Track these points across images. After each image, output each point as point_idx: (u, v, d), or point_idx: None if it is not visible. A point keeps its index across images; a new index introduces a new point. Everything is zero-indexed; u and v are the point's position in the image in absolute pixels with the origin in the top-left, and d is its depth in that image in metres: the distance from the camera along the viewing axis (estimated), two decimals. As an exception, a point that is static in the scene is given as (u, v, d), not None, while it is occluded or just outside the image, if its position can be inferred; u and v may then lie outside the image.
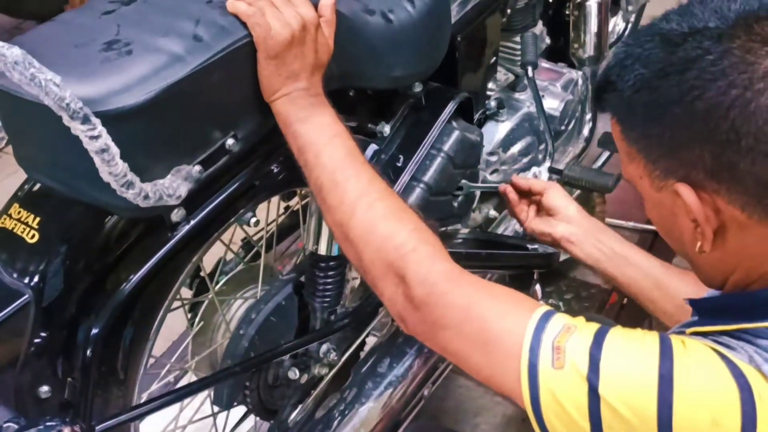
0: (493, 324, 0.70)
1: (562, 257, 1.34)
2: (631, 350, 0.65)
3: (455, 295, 0.73)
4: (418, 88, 1.12)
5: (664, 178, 0.68)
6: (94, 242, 0.84)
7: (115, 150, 0.69)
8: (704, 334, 0.67)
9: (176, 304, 1.09)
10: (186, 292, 1.21)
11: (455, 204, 1.21)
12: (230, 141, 0.84)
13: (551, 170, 1.52)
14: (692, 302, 0.76)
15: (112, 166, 0.69)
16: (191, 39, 0.77)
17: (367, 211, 0.79)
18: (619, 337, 0.66)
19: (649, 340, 0.65)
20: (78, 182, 0.76)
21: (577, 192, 1.70)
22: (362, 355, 1.29)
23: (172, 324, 1.15)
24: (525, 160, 1.50)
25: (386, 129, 1.11)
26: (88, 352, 0.82)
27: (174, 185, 0.77)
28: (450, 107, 1.14)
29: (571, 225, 1.13)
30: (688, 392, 0.61)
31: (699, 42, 0.64)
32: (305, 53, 0.82)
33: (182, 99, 0.75)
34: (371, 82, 1.04)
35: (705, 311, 0.75)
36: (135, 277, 0.84)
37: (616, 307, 1.83)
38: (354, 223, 0.80)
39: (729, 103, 0.62)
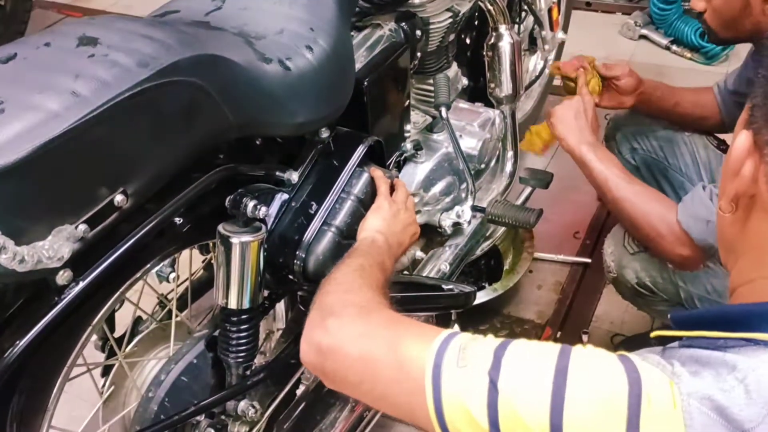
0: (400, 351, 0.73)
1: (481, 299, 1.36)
2: (532, 350, 0.67)
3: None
4: (325, 133, 1.12)
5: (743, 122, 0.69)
6: (-24, 310, 0.80)
7: (-18, 213, 0.65)
8: (663, 340, 0.70)
9: (82, 369, 1.04)
10: (99, 356, 1.16)
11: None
12: (119, 197, 0.81)
13: (474, 208, 1.53)
14: (672, 317, 0.77)
15: (-21, 231, 0.65)
16: (69, 95, 0.74)
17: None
18: (524, 341, 0.68)
19: (553, 345, 0.67)
20: (-52, 248, 0.72)
21: (503, 228, 1.71)
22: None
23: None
24: (447, 199, 1.51)
25: (294, 176, 1.09)
26: (-30, 427, 0.77)
27: (55, 246, 0.74)
28: (359, 151, 1.14)
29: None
30: (580, 386, 0.63)
31: None
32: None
33: (59, 157, 0.72)
34: (275, 129, 1.03)
35: (678, 321, 0.75)
36: (20, 344, 0.79)
37: (550, 340, 1.83)
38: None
39: None
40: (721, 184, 0.72)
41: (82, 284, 0.82)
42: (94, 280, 0.83)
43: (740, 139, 0.66)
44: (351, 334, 0.79)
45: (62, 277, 0.79)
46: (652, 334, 0.77)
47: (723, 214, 0.70)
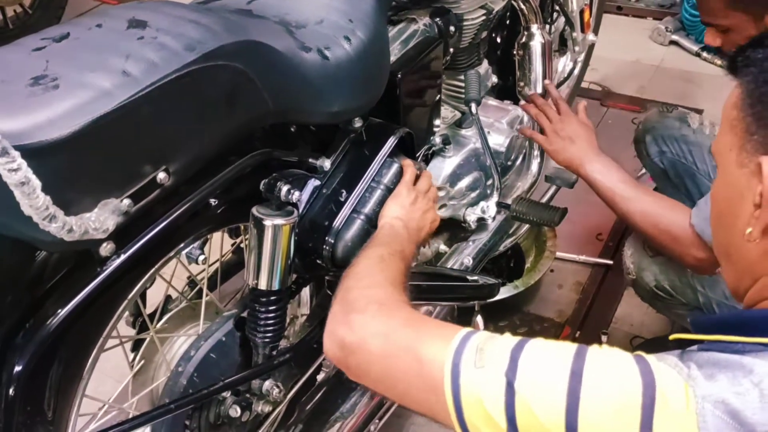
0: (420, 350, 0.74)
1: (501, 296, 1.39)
2: (549, 351, 0.68)
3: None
4: (358, 123, 1.14)
5: (754, 153, 0.69)
6: (22, 277, 0.83)
7: (36, 183, 0.69)
8: (682, 343, 0.71)
9: (114, 342, 1.08)
10: (130, 332, 1.20)
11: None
12: (162, 175, 0.84)
13: (499, 204, 1.54)
14: (692, 322, 0.79)
15: (32, 200, 0.69)
16: (120, 74, 0.78)
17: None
18: (540, 341, 0.69)
19: (569, 345, 0.68)
20: (1, 216, 0.75)
21: (526, 226, 1.73)
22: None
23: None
24: (473, 194, 1.53)
25: (327, 164, 1.12)
26: (11, 391, 0.80)
27: (101, 219, 0.77)
28: (390, 142, 1.16)
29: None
30: (595, 386, 0.64)
31: None
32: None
33: (108, 133, 0.76)
34: (310, 117, 1.06)
35: (697, 324, 0.77)
36: (62, 313, 0.82)
37: (568, 340, 1.85)
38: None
39: None
40: (732, 222, 0.72)
41: (123, 257, 0.85)
42: (135, 254, 0.87)
43: (766, 168, 0.67)
44: (373, 332, 0.81)
45: (105, 249, 0.82)
46: (671, 337, 0.78)
47: (745, 250, 0.71)
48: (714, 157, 0.77)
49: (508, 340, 0.70)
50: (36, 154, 0.69)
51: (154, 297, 1.18)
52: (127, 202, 0.80)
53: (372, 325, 0.81)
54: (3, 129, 0.67)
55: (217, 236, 1.18)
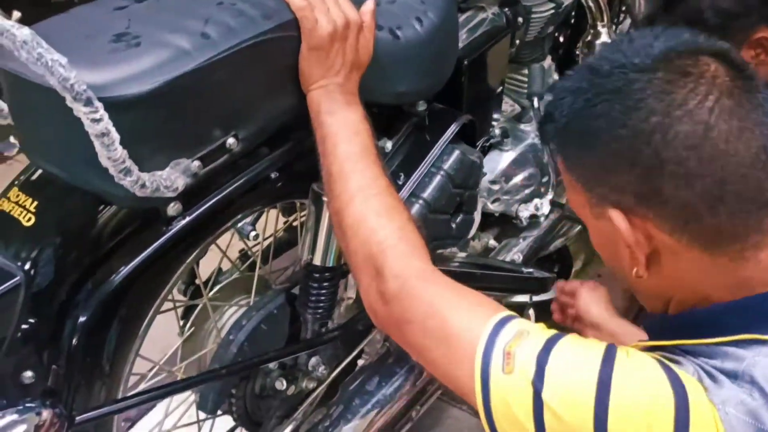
0: (454, 323, 0.72)
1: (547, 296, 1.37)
2: (575, 357, 0.66)
3: (423, 291, 0.76)
4: (422, 107, 1.14)
5: (600, 205, 0.71)
6: (88, 232, 0.85)
7: (115, 135, 0.70)
8: (650, 349, 0.69)
9: (169, 306, 1.10)
10: (180, 301, 1.22)
11: (453, 225, 1.22)
12: (231, 140, 0.85)
13: (552, 203, 1.52)
14: (644, 324, 0.79)
15: (111, 151, 0.70)
16: (199, 36, 0.79)
17: (362, 203, 0.83)
18: (568, 344, 0.67)
19: (597, 348, 0.67)
20: (78, 167, 0.77)
21: (578, 228, 1.70)
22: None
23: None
24: (527, 191, 1.51)
25: (388, 145, 1.12)
26: (74, 340, 0.82)
27: (172, 177, 0.78)
28: (452, 128, 1.16)
29: (594, 330, 1.20)
30: (624, 397, 0.62)
31: (624, 74, 0.67)
32: (346, 51, 0.89)
33: (185, 93, 0.77)
34: (377, 96, 1.05)
35: (652, 329, 0.77)
36: (126, 269, 0.84)
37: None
38: (348, 212, 0.84)
39: (650, 129, 0.65)
40: (620, 264, 0.72)
41: (189, 218, 0.86)
42: (199, 217, 0.88)
43: (618, 220, 0.68)
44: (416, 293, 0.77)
45: (173, 209, 0.84)
46: (634, 345, 0.73)
47: (644, 281, 0.71)
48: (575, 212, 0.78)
49: (536, 341, 0.68)
50: (116, 108, 0.71)
51: (204, 268, 1.20)
52: (197, 163, 0.81)
53: (411, 288, 0.77)
54: (86, 80, 0.69)
55: (266, 214, 1.19)
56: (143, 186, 0.74)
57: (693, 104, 0.64)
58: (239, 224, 1.10)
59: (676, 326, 0.71)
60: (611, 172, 0.68)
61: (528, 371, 0.65)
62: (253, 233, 1.24)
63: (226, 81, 0.81)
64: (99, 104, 0.68)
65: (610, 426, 0.62)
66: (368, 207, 0.83)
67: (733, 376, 0.63)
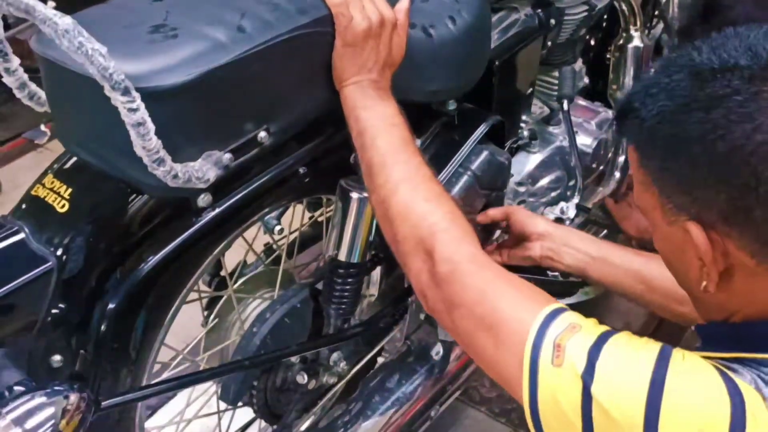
0: (504, 310, 0.72)
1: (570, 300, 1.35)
2: (628, 354, 0.65)
3: (475, 276, 0.76)
4: (452, 106, 1.13)
5: (677, 214, 0.67)
6: (119, 221, 0.86)
7: (150, 125, 0.71)
8: (707, 359, 0.67)
9: (194, 296, 1.10)
10: (205, 292, 1.23)
11: (479, 228, 1.21)
12: (262, 134, 0.85)
13: (579, 207, 1.51)
14: (698, 328, 0.76)
15: (146, 141, 0.71)
16: (235, 29, 0.79)
17: (410, 191, 0.84)
18: (621, 341, 0.66)
19: (651, 347, 0.65)
20: (112, 156, 0.78)
21: (604, 232, 1.69)
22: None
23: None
24: (553, 194, 1.50)
25: (417, 143, 1.11)
26: (103, 326, 0.83)
27: (204, 169, 0.79)
28: (482, 128, 1.15)
29: (544, 241, 1.10)
30: (677, 400, 0.61)
31: (728, 80, 0.62)
32: (380, 48, 0.89)
33: (220, 85, 0.77)
34: (408, 94, 1.05)
35: (709, 338, 0.74)
36: (155, 258, 0.85)
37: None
38: (395, 200, 0.84)
39: (753, 147, 0.60)
40: (685, 272, 0.70)
41: (218, 210, 0.87)
42: (228, 209, 0.89)
43: (697, 235, 0.64)
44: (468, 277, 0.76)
45: (203, 200, 0.85)
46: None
47: (710, 295, 0.68)
48: (640, 212, 0.74)
49: (588, 336, 0.67)
50: (152, 98, 0.71)
51: (229, 260, 1.20)
52: (228, 156, 0.82)
53: (462, 272, 0.77)
54: (124, 70, 0.70)
55: (293, 208, 1.19)
56: (176, 176, 0.75)
57: None
58: (265, 218, 1.11)
59: (738, 337, 0.69)
60: (698, 184, 0.64)
61: (578, 365, 0.64)
62: (278, 227, 1.25)
63: (260, 75, 0.81)
64: (136, 94, 0.69)
65: (661, 427, 0.60)
66: (416, 194, 0.83)
67: None
